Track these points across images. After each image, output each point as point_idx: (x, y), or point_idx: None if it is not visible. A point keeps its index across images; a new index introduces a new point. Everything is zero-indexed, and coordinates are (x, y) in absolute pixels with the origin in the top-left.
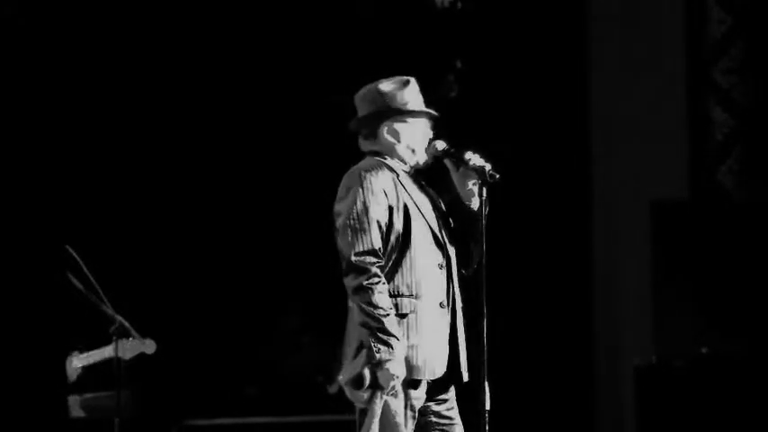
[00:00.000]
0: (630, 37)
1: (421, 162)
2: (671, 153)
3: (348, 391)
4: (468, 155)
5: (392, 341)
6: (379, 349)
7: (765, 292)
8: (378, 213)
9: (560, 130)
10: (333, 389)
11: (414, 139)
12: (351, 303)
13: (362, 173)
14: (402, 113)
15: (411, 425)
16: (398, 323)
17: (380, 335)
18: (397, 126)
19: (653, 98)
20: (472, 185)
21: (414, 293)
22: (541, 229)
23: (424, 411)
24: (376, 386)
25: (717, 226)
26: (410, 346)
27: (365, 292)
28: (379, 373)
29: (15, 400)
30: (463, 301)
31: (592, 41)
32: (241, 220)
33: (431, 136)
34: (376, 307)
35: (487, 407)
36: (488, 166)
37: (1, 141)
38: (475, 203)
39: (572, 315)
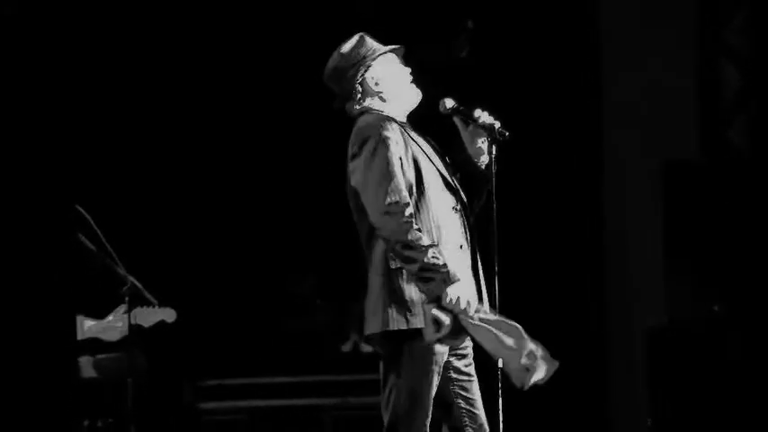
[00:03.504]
0: None
1: (414, 101)
2: (682, 113)
3: (429, 334)
4: (478, 112)
5: (444, 269)
6: (436, 280)
7: None
8: (396, 162)
9: (571, 91)
10: (346, 347)
11: (396, 78)
12: (374, 257)
13: (372, 126)
14: (370, 57)
15: (436, 381)
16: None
17: (433, 268)
18: (374, 73)
19: (664, 57)
20: (481, 143)
21: (435, 240)
22: (552, 190)
23: (445, 367)
24: (455, 313)
25: (728, 185)
26: None
27: (401, 235)
28: (449, 302)
29: (25, 360)
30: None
31: (603, 0)
32: (255, 183)
33: (410, 70)
34: (415, 247)
35: (500, 364)
36: (498, 124)
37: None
38: (484, 161)
39: (584, 277)
